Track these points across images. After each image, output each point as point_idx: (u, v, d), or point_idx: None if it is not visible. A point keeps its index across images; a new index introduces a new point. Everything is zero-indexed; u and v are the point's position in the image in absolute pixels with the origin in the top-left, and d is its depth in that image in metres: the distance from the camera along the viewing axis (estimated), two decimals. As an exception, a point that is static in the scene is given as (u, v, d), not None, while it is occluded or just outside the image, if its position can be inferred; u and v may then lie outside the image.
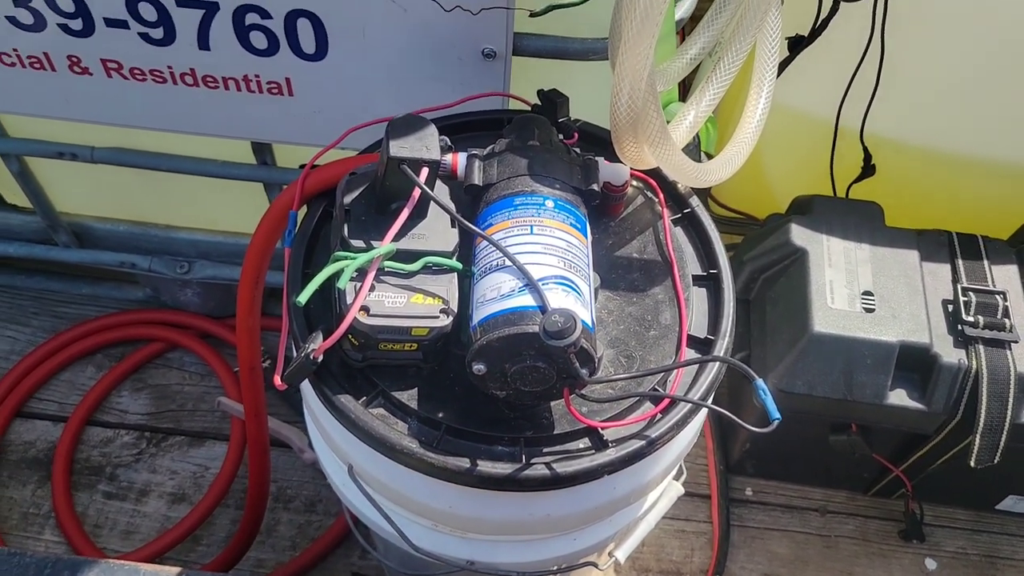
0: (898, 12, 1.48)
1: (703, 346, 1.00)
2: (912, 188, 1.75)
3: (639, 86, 0.94)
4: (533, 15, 1.24)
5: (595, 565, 1.20)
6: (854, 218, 1.61)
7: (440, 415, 0.91)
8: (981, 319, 1.47)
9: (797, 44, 1.52)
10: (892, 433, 1.57)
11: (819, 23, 1.49)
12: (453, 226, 0.94)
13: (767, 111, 1.20)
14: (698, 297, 1.05)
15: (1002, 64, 1.55)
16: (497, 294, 0.86)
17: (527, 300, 0.84)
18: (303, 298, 0.87)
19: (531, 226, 0.91)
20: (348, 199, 0.94)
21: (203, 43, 1.23)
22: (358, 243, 0.90)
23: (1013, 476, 1.67)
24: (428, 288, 0.91)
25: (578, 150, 1.05)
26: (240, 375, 1.29)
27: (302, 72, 1.27)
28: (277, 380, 0.96)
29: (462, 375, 0.93)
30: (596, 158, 1.03)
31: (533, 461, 0.89)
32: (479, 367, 0.86)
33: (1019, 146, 1.67)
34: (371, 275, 0.88)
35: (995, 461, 1.47)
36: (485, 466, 0.88)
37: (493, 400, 0.92)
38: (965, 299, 1.50)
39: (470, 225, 0.91)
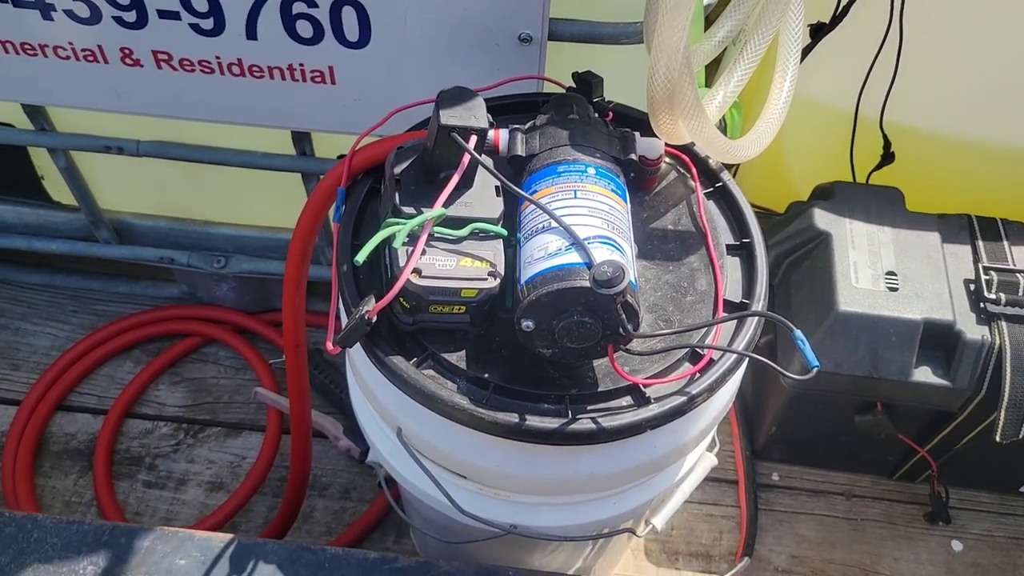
0: (916, -1, 1.53)
1: (738, 309, 1.03)
2: (932, 175, 1.78)
3: (675, 59, 0.98)
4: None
5: (633, 532, 1.24)
6: (876, 202, 1.65)
7: (487, 375, 0.95)
8: (1003, 296, 1.51)
9: (819, 31, 1.57)
10: (917, 412, 1.60)
11: (840, 9, 1.53)
12: (498, 195, 0.99)
13: (792, 93, 1.24)
14: (732, 265, 1.09)
15: (1020, 50, 1.59)
16: (544, 253, 0.90)
17: (574, 257, 0.88)
18: (361, 257, 0.91)
19: (575, 191, 0.95)
20: (398, 170, 0.98)
21: (251, 33, 1.28)
22: (409, 210, 0.95)
23: (1037, 456, 1.70)
24: (476, 252, 0.95)
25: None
26: (285, 353, 1.33)
27: (345, 60, 1.32)
28: (329, 345, 1.00)
29: (508, 338, 0.98)
30: (632, 132, 1.07)
31: (579, 416, 0.93)
32: (527, 323, 0.90)
33: (1038, 132, 1.71)
34: (423, 239, 0.93)
35: (1020, 436, 1.50)
36: (533, 421, 0.92)
37: (539, 361, 0.96)
38: (987, 278, 1.53)
39: (516, 188, 0.96)
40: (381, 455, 1.18)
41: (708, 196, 1.15)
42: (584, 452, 0.99)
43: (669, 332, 0.96)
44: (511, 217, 1.00)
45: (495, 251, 0.96)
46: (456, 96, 0.95)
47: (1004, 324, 1.49)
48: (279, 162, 1.62)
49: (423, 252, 0.93)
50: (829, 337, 1.52)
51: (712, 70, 1.49)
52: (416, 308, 0.95)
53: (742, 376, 1.10)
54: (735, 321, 1.02)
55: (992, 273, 1.54)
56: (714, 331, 1.00)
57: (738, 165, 1.89)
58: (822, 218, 1.62)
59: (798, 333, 0.89)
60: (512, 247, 1.00)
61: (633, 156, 1.03)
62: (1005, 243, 1.60)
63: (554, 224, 0.92)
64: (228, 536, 1.13)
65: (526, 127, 1.05)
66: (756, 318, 1.00)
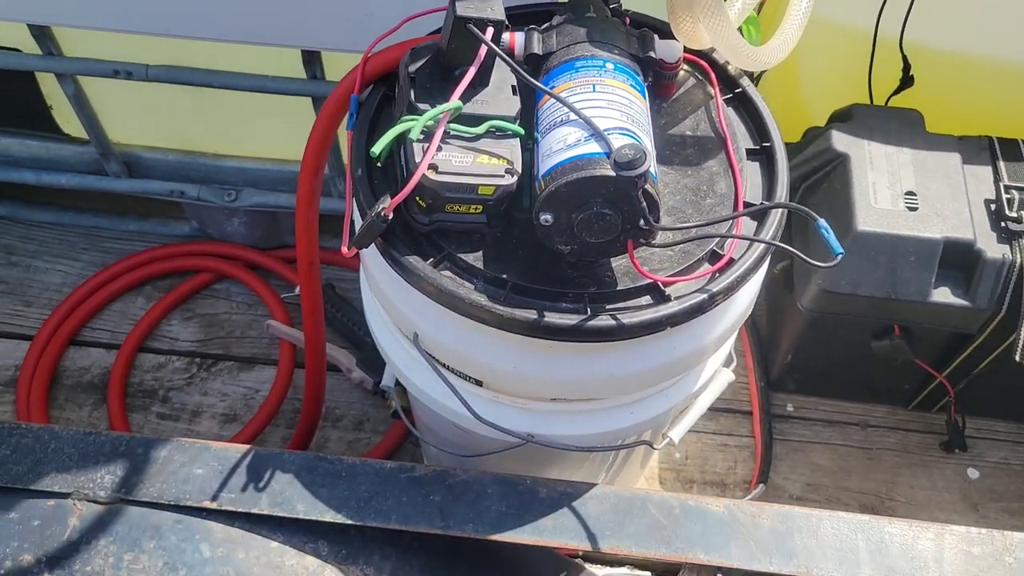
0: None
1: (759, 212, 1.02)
2: (952, 98, 1.75)
3: (696, -48, 0.96)
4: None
5: (650, 444, 1.23)
6: (895, 124, 1.63)
7: (505, 275, 0.94)
8: (1024, 215, 1.49)
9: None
10: (935, 334, 1.59)
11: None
12: (515, 94, 0.97)
13: (812, 2, 1.21)
14: (751, 170, 1.07)
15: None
16: (563, 144, 0.89)
17: (593, 147, 0.87)
18: (377, 148, 0.90)
19: (593, 84, 0.93)
20: (413, 68, 0.96)
21: (261, -57, 1.27)
22: (424, 106, 0.93)
23: (1055, 382, 1.69)
24: (492, 150, 0.93)
25: (631, 29, 1.07)
26: (299, 271, 1.33)
27: (355, -29, 1.30)
28: (344, 249, 0.99)
29: (525, 239, 0.97)
30: (651, 32, 1.05)
31: (598, 313, 0.92)
32: (546, 217, 0.88)
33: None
34: (439, 134, 0.91)
35: (1040, 355, 1.49)
36: (552, 317, 0.91)
37: (557, 260, 0.95)
38: (1008, 196, 1.51)
39: (533, 81, 0.94)
40: (397, 367, 1.18)
41: (727, 103, 1.13)
42: (602, 352, 0.98)
43: (690, 225, 0.95)
44: (528, 116, 0.98)
45: (512, 149, 0.94)
46: (472, -12, 0.93)
47: (1025, 243, 1.48)
48: (290, 85, 1.60)
49: (439, 148, 0.91)
50: (848, 258, 1.50)
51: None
52: (432, 206, 0.94)
53: (756, 295, 1.09)
54: (756, 222, 1.00)
55: (1014, 192, 1.52)
56: (735, 230, 0.98)
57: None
58: (840, 140, 1.60)
59: (822, 222, 0.87)
60: (529, 149, 0.98)
61: (652, 54, 1.01)
62: (1027, 163, 1.58)
63: (573, 116, 0.90)
64: (245, 447, 1.13)
65: (542, 27, 1.03)
66: (777, 215, 0.98)
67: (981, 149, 1.61)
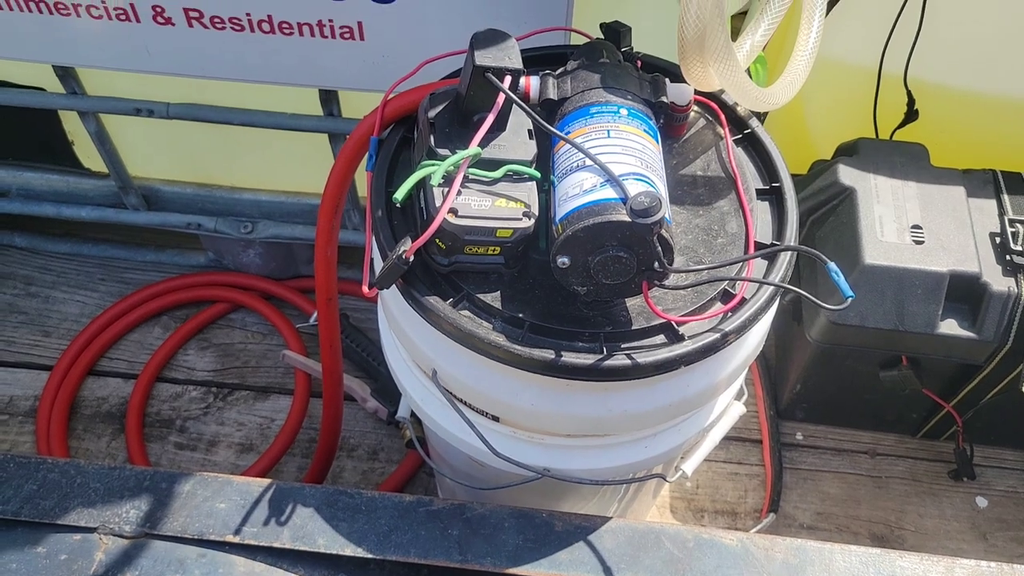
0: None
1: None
2: (955, 132, 1.78)
3: (706, 2, 0.99)
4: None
5: (663, 477, 1.25)
6: (900, 158, 1.65)
7: (523, 315, 0.97)
8: (1030, 248, 1.52)
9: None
10: (943, 365, 1.61)
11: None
12: (531, 138, 1.00)
13: (819, 40, 1.24)
14: (761, 209, 1.10)
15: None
16: (580, 190, 0.92)
17: (609, 193, 0.90)
18: (399, 194, 0.93)
19: (608, 130, 0.96)
20: (432, 114, 0.99)
21: (281, -12, 1.30)
22: (444, 151, 0.96)
23: (1061, 412, 1.71)
24: (510, 193, 0.96)
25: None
26: (317, 305, 1.35)
27: (373, 15, 1.33)
28: (365, 289, 1.02)
29: (542, 279, 0.99)
30: (662, 76, 1.08)
31: (613, 352, 0.94)
32: (563, 260, 0.91)
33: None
34: (459, 179, 0.94)
35: (1046, 386, 1.51)
36: (568, 357, 0.94)
37: (573, 300, 0.98)
38: (1012, 230, 1.54)
39: (551, 128, 0.97)
40: (414, 401, 1.20)
41: (736, 143, 1.16)
42: (618, 390, 1.00)
43: (703, 267, 0.97)
44: (544, 160, 1.01)
45: (529, 192, 0.97)
46: (490, 37, 0.96)
47: (1031, 276, 1.50)
48: (307, 123, 1.64)
49: (458, 193, 0.94)
50: (855, 290, 1.52)
51: (737, 24, 1.50)
52: (452, 248, 0.96)
53: (767, 333, 1.11)
54: (766, 261, 1.03)
55: (1018, 225, 1.54)
56: (746, 271, 1.01)
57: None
58: (847, 174, 1.63)
59: (832, 265, 0.90)
60: (545, 191, 1.01)
61: (664, 99, 1.04)
62: (1030, 197, 1.61)
63: (588, 162, 0.93)
64: (267, 481, 1.15)
65: (557, 72, 1.06)
66: (787, 256, 1.01)
67: (985, 182, 1.64)
